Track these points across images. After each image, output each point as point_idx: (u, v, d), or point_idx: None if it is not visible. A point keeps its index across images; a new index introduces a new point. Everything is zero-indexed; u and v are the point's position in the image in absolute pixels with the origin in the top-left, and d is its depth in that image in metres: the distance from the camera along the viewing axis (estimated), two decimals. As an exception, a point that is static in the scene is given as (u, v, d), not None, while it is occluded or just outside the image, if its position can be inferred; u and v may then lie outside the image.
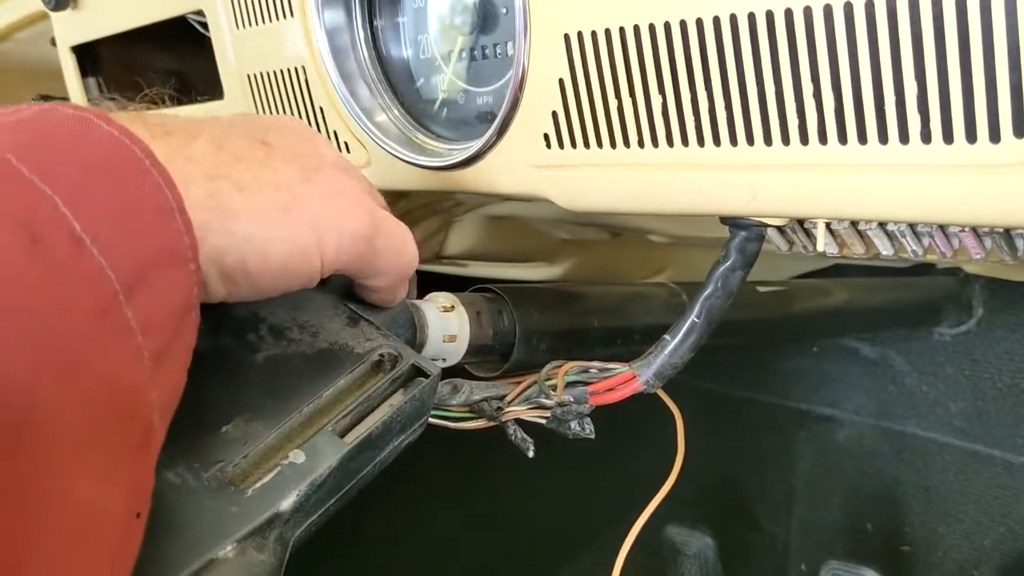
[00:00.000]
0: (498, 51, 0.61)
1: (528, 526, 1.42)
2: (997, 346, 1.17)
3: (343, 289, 0.53)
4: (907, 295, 1.11)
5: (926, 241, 0.54)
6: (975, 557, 1.21)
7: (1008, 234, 0.53)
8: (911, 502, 1.25)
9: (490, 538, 1.40)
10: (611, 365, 0.58)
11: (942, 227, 0.52)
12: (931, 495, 1.23)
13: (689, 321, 0.57)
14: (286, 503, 0.42)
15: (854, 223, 0.52)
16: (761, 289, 0.83)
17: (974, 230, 0.52)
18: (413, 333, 0.56)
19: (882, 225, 0.52)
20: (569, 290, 0.70)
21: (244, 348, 0.48)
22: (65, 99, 1.03)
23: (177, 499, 0.40)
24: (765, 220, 0.52)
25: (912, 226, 0.52)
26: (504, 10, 0.61)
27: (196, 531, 0.40)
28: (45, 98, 1.16)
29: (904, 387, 1.25)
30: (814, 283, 1.01)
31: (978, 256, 0.54)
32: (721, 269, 0.56)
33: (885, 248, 0.54)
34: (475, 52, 0.63)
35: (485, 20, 0.62)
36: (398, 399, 0.48)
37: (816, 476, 1.34)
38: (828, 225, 0.54)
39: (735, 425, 1.41)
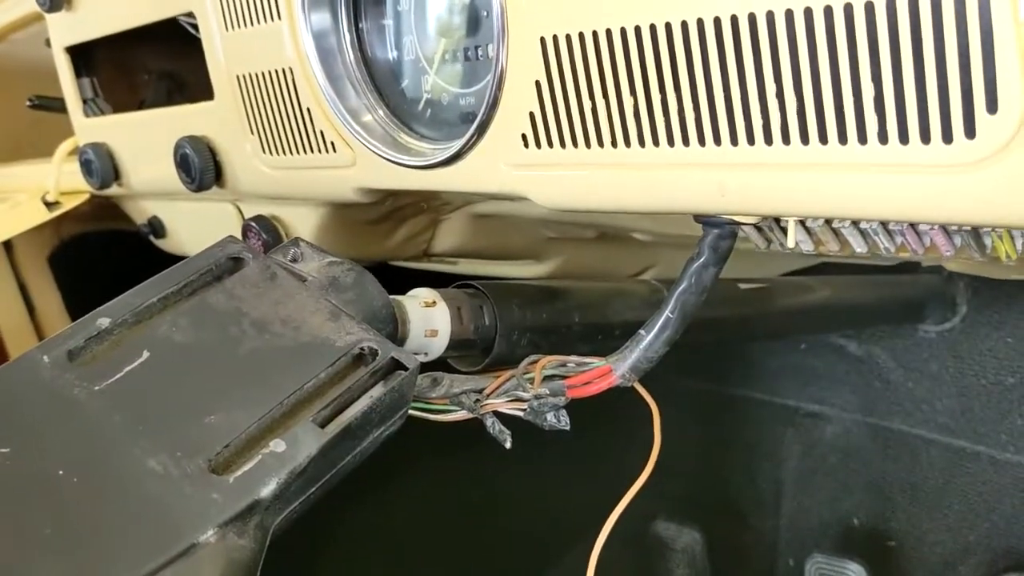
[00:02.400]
0: (480, 53, 0.63)
1: (518, 520, 1.44)
2: (981, 343, 1.18)
3: (325, 285, 0.55)
4: (891, 293, 1.13)
5: (898, 239, 0.55)
6: (960, 552, 1.22)
7: (976, 232, 0.54)
8: (897, 498, 1.27)
9: (480, 532, 1.42)
10: (588, 359, 0.59)
11: (913, 225, 0.53)
12: (917, 491, 1.25)
13: (664, 316, 0.59)
14: (266, 490, 0.43)
15: (828, 221, 0.53)
16: (742, 286, 0.84)
17: (943, 228, 0.53)
18: (395, 327, 0.58)
19: (855, 223, 0.53)
20: (550, 286, 0.72)
21: (227, 341, 0.49)
22: (60, 100, 1.05)
23: (159, 487, 0.42)
24: (735, 217, 0.54)
25: (884, 224, 0.53)
26: (485, 13, 0.62)
27: (178, 517, 0.41)
28: (41, 99, 1.18)
29: (890, 384, 1.26)
30: (796, 280, 1.03)
31: (948, 253, 0.55)
32: (695, 266, 0.58)
33: (859, 246, 0.56)
34: (458, 54, 0.65)
35: (469, 22, 0.64)
36: (378, 391, 0.50)
37: (803, 472, 1.36)
38: (803, 223, 0.55)
39: (723, 422, 1.43)
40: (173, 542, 0.40)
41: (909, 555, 1.26)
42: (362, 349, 0.51)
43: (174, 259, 0.55)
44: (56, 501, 0.41)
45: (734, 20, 0.45)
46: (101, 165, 0.98)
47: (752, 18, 0.44)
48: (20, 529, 0.40)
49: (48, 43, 1.01)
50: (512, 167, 0.59)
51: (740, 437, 1.43)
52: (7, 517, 0.40)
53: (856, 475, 1.31)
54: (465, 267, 1.04)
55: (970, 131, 0.40)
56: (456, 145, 0.61)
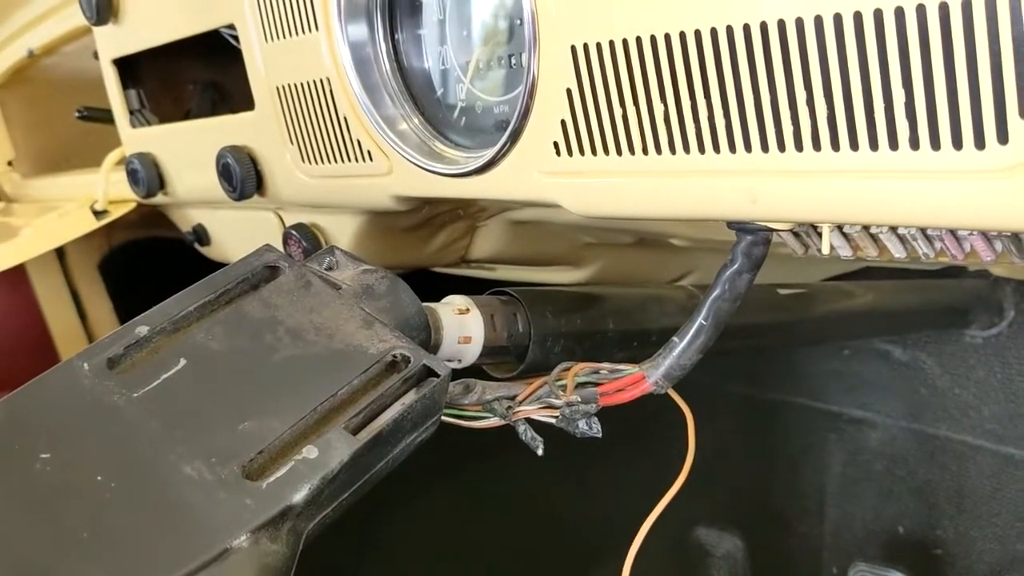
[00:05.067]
0: (513, 62, 0.63)
1: (561, 526, 1.44)
2: (1029, 349, 1.16)
3: (359, 293, 0.56)
4: (934, 297, 1.11)
5: (937, 244, 0.55)
6: (1008, 561, 1.20)
7: (1016, 236, 0.53)
8: (943, 505, 1.24)
9: (522, 537, 1.42)
10: (621, 367, 0.59)
11: (952, 230, 0.52)
12: (964, 498, 1.23)
13: (697, 324, 0.58)
14: (299, 496, 0.44)
15: (865, 226, 0.53)
16: (782, 291, 0.84)
17: (983, 233, 0.52)
18: (428, 335, 0.59)
19: (893, 228, 0.53)
20: (584, 293, 0.72)
21: (262, 349, 0.50)
22: (108, 111, 1.07)
23: (194, 492, 0.43)
24: (767, 224, 0.54)
25: (922, 230, 0.53)
26: (518, 22, 0.62)
27: (212, 522, 0.42)
28: (89, 110, 1.21)
29: (936, 390, 1.24)
30: (837, 285, 1.01)
31: (988, 258, 0.54)
32: (728, 272, 0.58)
33: (897, 251, 0.55)
34: (492, 63, 0.65)
35: (503, 31, 0.64)
36: (410, 398, 0.50)
37: (848, 479, 1.34)
38: (840, 228, 0.55)
39: (766, 427, 1.42)
40: (207, 547, 0.41)
41: (956, 564, 1.23)
42: (395, 356, 0.51)
43: (219, 265, 0.56)
44: (94, 505, 0.42)
45: (763, 27, 0.45)
46: (147, 174, 1.00)
47: (782, 25, 0.44)
48: (59, 532, 0.41)
49: (96, 56, 1.04)
50: (544, 175, 0.59)
51: (783, 443, 1.42)
52: (47, 520, 0.41)
53: (901, 482, 1.29)
54: (503, 273, 1.05)
55: (1003, 136, 0.39)
56: (489, 153, 0.61)
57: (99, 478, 0.43)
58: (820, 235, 0.57)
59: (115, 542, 0.41)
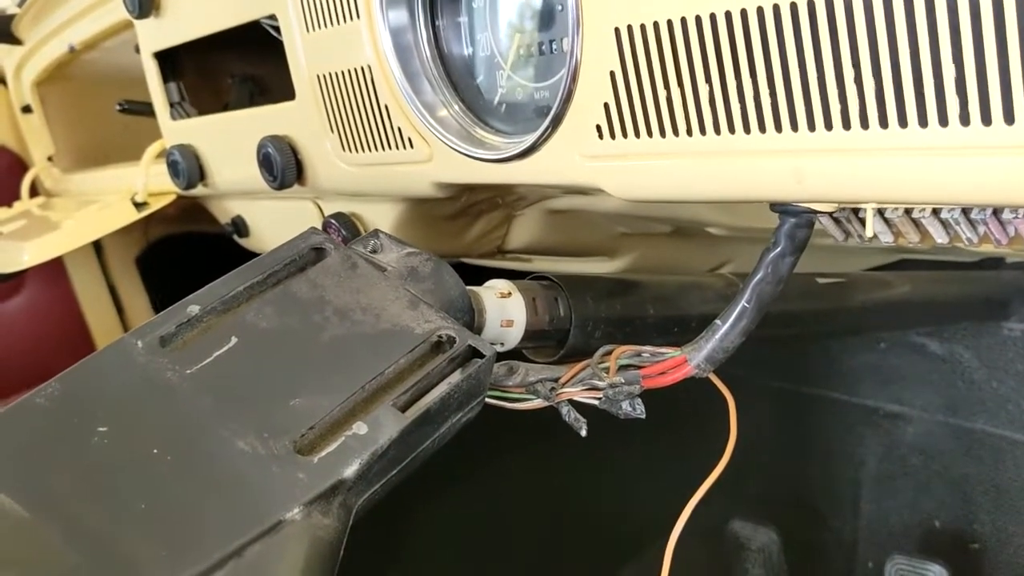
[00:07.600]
0: (554, 47, 0.64)
1: (598, 515, 1.44)
2: (1069, 341, 1.15)
3: (403, 274, 0.56)
4: (973, 289, 1.10)
5: (981, 229, 0.54)
6: (1048, 556, 1.19)
7: (1064, 219, 0.53)
8: (980, 499, 1.23)
9: (560, 526, 1.42)
10: (663, 350, 0.59)
11: (996, 214, 0.52)
12: (1001, 493, 1.22)
13: (740, 306, 0.58)
14: (349, 471, 0.44)
15: (908, 211, 0.53)
16: (820, 280, 0.83)
17: (1029, 215, 0.52)
18: (471, 317, 0.59)
19: (936, 212, 0.52)
20: (625, 279, 0.72)
21: (311, 328, 0.51)
22: (148, 104, 1.09)
23: (248, 466, 0.43)
24: (812, 205, 0.53)
25: (966, 213, 0.52)
26: (559, 7, 0.63)
27: (265, 495, 0.43)
28: (130, 103, 1.22)
29: (973, 383, 1.23)
30: (875, 275, 1.01)
31: (1033, 243, 0.54)
32: (771, 255, 0.58)
33: (939, 236, 0.55)
34: (532, 49, 0.66)
35: (543, 17, 0.65)
36: (456, 378, 0.51)
37: (884, 473, 1.33)
38: (882, 213, 0.54)
39: (801, 421, 1.41)
40: (261, 519, 0.42)
41: (993, 558, 1.22)
42: (440, 337, 0.52)
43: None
44: (150, 477, 0.43)
45: (811, 4, 0.45)
46: (187, 166, 1.01)
47: (829, 2, 0.44)
48: (116, 503, 0.42)
49: (137, 49, 1.05)
50: (586, 158, 0.59)
51: (818, 437, 1.41)
52: (105, 492, 0.42)
53: (938, 477, 1.28)
54: (539, 264, 1.05)
55: (1056, 111, 0.39)
56: (531, 138, 0.62)
57: (155, 451, 0.44)
58: (862, 221, 0.56)
59: (171, 513, 0.42)
